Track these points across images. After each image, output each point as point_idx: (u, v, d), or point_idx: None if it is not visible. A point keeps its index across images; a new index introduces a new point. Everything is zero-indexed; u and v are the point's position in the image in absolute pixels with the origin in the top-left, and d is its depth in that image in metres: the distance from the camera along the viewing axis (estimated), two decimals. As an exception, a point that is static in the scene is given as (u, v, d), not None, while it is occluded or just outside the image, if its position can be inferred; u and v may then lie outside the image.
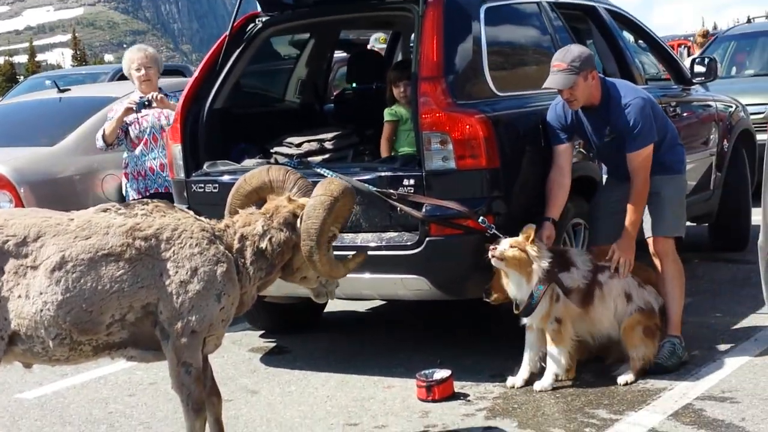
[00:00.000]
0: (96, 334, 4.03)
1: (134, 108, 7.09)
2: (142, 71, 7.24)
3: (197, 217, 4.33)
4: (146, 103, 7.08)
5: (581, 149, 6.24)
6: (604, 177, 6.28)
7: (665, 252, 5.83)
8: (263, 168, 4.61)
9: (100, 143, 7.21)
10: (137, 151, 7.15)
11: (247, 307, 4.45)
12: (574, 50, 5.69)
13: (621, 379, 5.49)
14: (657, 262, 5.85)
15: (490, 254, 5.30)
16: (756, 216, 5.64)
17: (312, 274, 4.47)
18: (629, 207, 5.68)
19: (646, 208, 5.87)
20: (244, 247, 4.30)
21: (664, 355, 5.63)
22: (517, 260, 5.33)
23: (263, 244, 4.30)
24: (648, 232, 5.87)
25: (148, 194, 7.05)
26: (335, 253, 4.51)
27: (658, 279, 5.81)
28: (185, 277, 4.07)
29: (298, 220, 4.31)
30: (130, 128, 7.17)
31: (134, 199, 4.43)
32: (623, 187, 5.81)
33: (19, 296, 3.96)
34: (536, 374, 5.55)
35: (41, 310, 3.94)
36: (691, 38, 22.73)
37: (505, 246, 5.32)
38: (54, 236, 4.02)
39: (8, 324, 3.96)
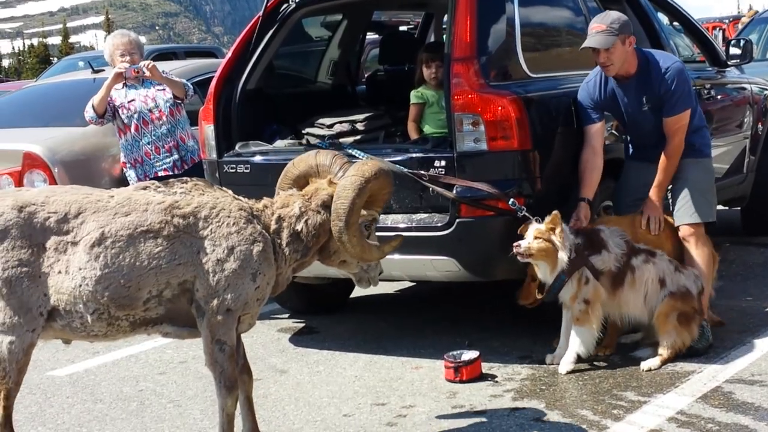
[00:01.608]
0: (133, 310, 4.07)
1: (124, 74, 6.96)
2: (127, 57, 7.13)
3: (236, 196, 4.34)
4: (136, 70, 6.98)
5: (614, 131, 6.21)
6: (626, 162, 6.20)
7: (694, 237, 5.82)
8: (311, 153, 4.59)
9: (90, 113, 7.00)
10: (129, 137, 7.03)
11: (282, 288, 4.47)
12: (613, 14, 5.73)
13: (645, 365, 5.48)
14: (687, 246, 5.83)
15: (515, 251, 5.30)
16: (790, 200, 5.62)
17: (352, 259, 4.46)
18: (660, 167, 5.75)
19: (672, 194, 5.89)
20: (281, 228, 4.31)
21: (695, 338, 5.61)
22: (543, 251, 5.33)
23: (299, 226, 4.31)
24: (678, 219, 5.86)
25: (148, 179, 6.85)
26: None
27: (688, 263, 5.79)
28: (222, 255, 4.10)
29: None
30: (119, 111, 7.02)
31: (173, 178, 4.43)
32: (649, 170, 5.81)
33: (59, 272, 4.01)
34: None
35: (80, 285, 3.99)
36: (726, 21, 22.53)
37: (529, 239, 5.31)
38: (94, 212, 4.07)
39: (47, 300, 4.01)
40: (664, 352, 5.50)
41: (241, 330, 4.36)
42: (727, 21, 23.14)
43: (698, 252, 5.80)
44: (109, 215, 4.06)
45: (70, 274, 4.00)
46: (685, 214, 5.84)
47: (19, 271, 3.96)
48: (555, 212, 5.36)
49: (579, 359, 5.47)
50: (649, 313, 5.57)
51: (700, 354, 5.59)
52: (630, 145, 6.17)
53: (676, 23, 8.63)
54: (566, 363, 5.46)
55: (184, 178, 4.41)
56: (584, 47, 5.74)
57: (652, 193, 5.77)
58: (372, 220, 4.44)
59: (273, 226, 4.31)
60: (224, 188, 4.45)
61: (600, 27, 5.62)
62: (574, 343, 5.46)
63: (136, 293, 4.04)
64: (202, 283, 4.09)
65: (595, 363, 5.55)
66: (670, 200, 5.98)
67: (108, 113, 7.02)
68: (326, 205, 4.33)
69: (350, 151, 5.81)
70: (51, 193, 4.17)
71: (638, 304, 5.55)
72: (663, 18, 8.39)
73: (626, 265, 5.50)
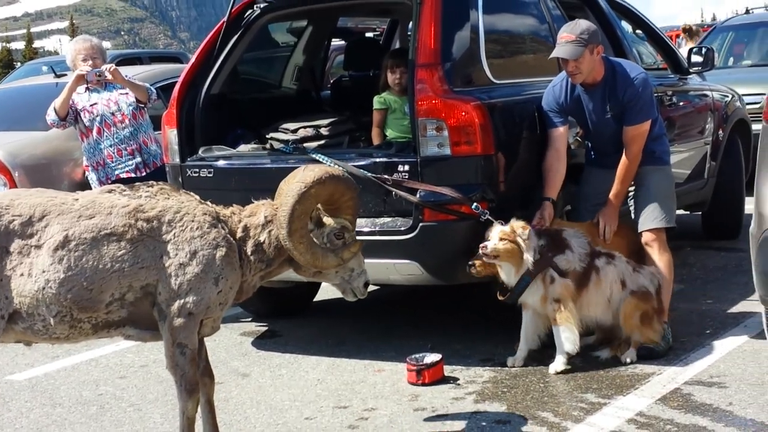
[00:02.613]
0: (95, 312, 4.05)
1: (86, 77, 6.92)
2: (89, 61, 7.11)
3: (201, 201, 4.33)
4: (98, 73, 6.97)
5: (578, 137, 6.26)
6: (586, 168, 6.23)
7: (657, 243, 5.90)
8: (299, 168, 4.50)
9: (52, 116, 6.98)
10: (92, 140, 7.02)
11: (248, 296, 4.45)
12: (582, 24, 5.78)
13: (625, 359, 5.57)
14: (648, 251, 5.91)
15: (481, 252, 5.34)
16: (749, 205, 5.68)
17: (330, 269, 4.43)
18: (617, 176, 5.82)
19: (635, 201, 5.98)
20: (246, 236, 4.31)
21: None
22: (508, 252, 5.37)
23: (262, 237, 4.30)
24: (640, 225, 5.93)
25: (110, 182, 6.84)
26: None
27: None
28: (184, 259, 4.09)
29: None
30: (81, 115, 7.01)
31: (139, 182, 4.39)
32: (609, 176, 5.89)
33: (22, 274, 3.98)
34: (536, 352, 5.64)
35: (43, 288, 3.96)
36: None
37: (495, 241, 5.35)
38: (58, 215, 4.05)
39: (9, 302, 3.98)
40: (636, 344, 5.60)
41: (205, 333, 4.35)
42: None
43: (660, 257, 5.88)
44: (74, 218, 4.05)
45: (33, 276, 3.97)
46: (647, 220, 5.91)
47: None
48: (522, 222, 5.41)
49: (568, 358, 5.50)
50: (613, 314, 5.63)
51: (661, 356, 5.65)
52: (591, 152, 6.22)
53: (639, 31, 8.71)
54: (556, 364, 5.49)
55: (150, 182, 4.40)
56: (553, 57, 5.79)
57: (609, 203, 5.85)
58: (341, 228, 4.40)
59: (239, 234, 4.30)
60: (190, 192, 4.43)
61: (569, 37, 5.66)
62: (559, 344, 5.49)
63: (99, 296, 4.02)
64: (164, 286, 4.08)
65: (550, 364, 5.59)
66: (632, 207, 6.04)
67: (70, 116, 7.00)
68: None
69: (314, 155, 5.84)
70: (15, 196, 4.15)
71: (603, 306, 5.60)
72: (627, 26, 8.46)
73: (590, 266, 5.56)
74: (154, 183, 4.34)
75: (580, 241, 5.61)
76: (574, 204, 6.21)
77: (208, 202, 4.35)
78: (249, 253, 4.30)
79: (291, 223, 4.19)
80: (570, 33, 5.69)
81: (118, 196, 4.19)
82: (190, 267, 4.09)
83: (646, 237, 5.91)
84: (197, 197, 4.35)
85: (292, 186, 4.23)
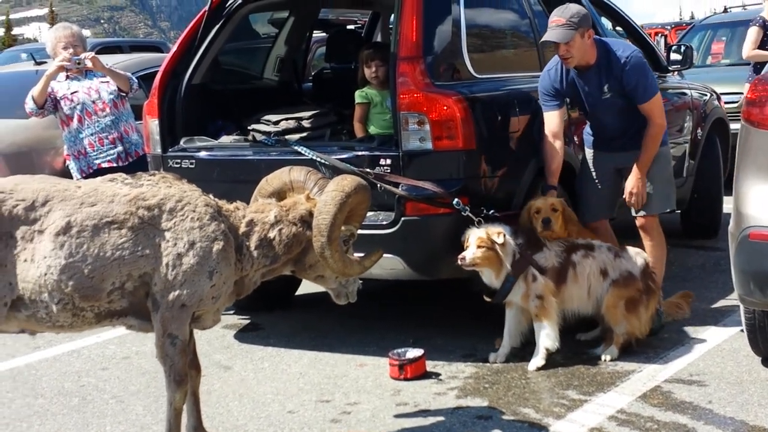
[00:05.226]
0: (98, 301, 4.04)
1: (66, 65, 6.90)
2: (70, 50, 7.07)
3: (205, 192, 4.32)
4: (78, 62, 6.94)
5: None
6: (588, 150, 6.32)
7: (650, 227, 6.07)
8: (284, 169, 4.58)
9: (30, 105, 6.96)
10: (72, 129, 7.00)
11: (248, 292, 4.46)
12: (572, 7, 5.83)
13: (605, 356, 5.61)
14: (642, 235, 6.06)
15: (459, 263, 5.36)
16: (727, 204, 5.73)
17: (329, 274, 4.46)
18: (644, 146, 5.92)
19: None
20: (251, 231, 4.31)
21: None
22: (487, 259, 5.41)
23: (272, 234, 4.31)
24: (633, 210, 6.05)
25: (91, 171, 6.89)
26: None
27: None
28: (182, 249, 4.08)
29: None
30: (61, 103, 6.99)
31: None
32: (612, 158, 6.03)
33: (25, 260, 3.97)
34: (518, 349, 5.66)
35: (45, 274, 3.95)
36: (668, 27, 22.87)
37: (473, 249, 5.37)
38: (61, 201, 4.04)
39: (12, 289, 3.97)
40: (619, 339, 5.63)
41: (206, 326, 4.37)
42: (669, 27, 23.50)
43: (654, 241, 6.04)
44: (76, 204, 4.04)
45: (35, 262, 3.97)
46: (647, 206, 6.02)
47: None
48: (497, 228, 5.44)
49: (547, 353, 5.53)
50: (594, 304, 5.66)
51: (654, 333, 5.80)
52: (592, 135, 6.28)
53: (619, 28, 8.74)
54: (536, 360, 5.52)
55: (153, 171, 4.39)
56: (543, 41, 5.87)
57: (635, 171, 5.92)
58: (350, 235, 4.44)
59: (242, 229, 4.30)
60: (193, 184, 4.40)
61: (559, 21, 5.73)
62: (540, 340, 5.53)
63: (100, 284, 4.01)
64: (159, 276, 4.07)
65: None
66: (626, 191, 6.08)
67: (48, 105, 6.97)
68: (304, 220, 4.35)
69: (296, 147, 5.84)
70: (20, 181, 4.14)
71: (582, 298, 5.64)
72: (606, 23, 8.49)
73: (567, 261, 5.59)
74: (156, 172, 4.35)
75: None
76: (578, 188, 6.30)
77: (211, 195, 4.34)
78: (252, 248, 4.30)
79: (332, 231, 4.20)
80: (560, 17, 5.75)
81: (120, 185, 4.19)
82: (186, 258, 4.08)
83: (640, 221, 6.05)
84: (199, 189, 4.34)
85: (331, 195, 4.23)
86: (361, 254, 4.53)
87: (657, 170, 6.03)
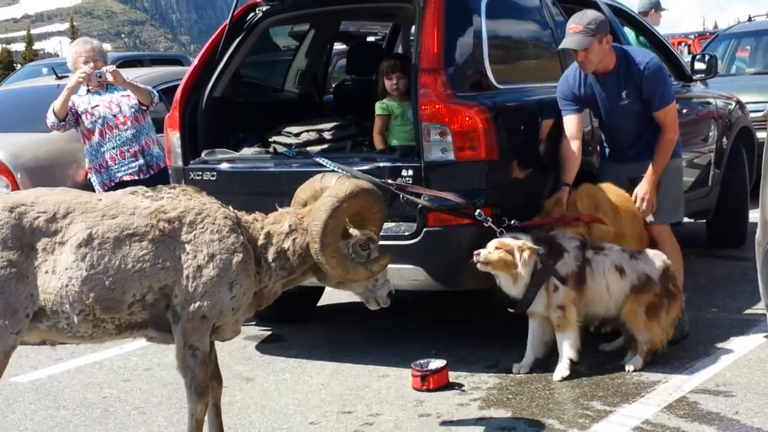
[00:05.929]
0: (118, 313, 4.06)
1: (85, 79, 6.91)
2: (90, 64, 7.10)
3: (224, 204, 4.32)
4: (99, 75, 6.97)
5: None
6: (602, 162, 6.33)
7: (661, 234, 6.08)
8: (317, 177, 4.57)
9: (51, 119, 6.98)
10: (94, 143, 7.00)
11: (268, 303, 4.45)
12: (590, 14, 5.85)
13: (629, 367, 5.56)
14: (658, 243, 6.04)
15: (474, 259, 5.33)
16: (753, 213, 5.68)
17: (359, 282, 4.44)
18: (657, 151, 5.92)
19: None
20: (269, 243, 4.31)
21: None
22: (502, 262, 5.37)
23: (286, 244, 4.30)
24: (649, 218, 6.04)
25: (113, 185, 6.86)
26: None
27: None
28: (202, 261, 4.09)
29: None
30: (82, 117, 6.99)
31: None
32: (626, 169, 6.02)
33: (47, 272, 3.98)
34: (541, 360, 5.63)
35: (66, 285, 3.96)
36: (692, 36, 22.78)
37: (489, 249, 5.35)
38: (82, 213, 4.06)
39: (34, 300, 3.98)
40: (643, 348, 5.58)
41: (226, 337, 4.36)
42: (692, 36, 23.41)
43: (669, 248, 6.01)
44: (97, 217, 4.06)
45: (57, 273, 3.98)
46: (655, 214, 6.01)
47: (8, 272, 3.93)
48: (528, 242, 5.42)
49: (571, 363, 5.50)
50: (615, 305, 5.59)
51: (675, 342, 5.76)
52: (606, 146, 6.30)
53: (642, 38, 8.71)
54: (560, 369, 5.49)
55: (173, 184, 4.39)
56: (561, 48, 5.92)
57: (647, 175, 5.92)
58: (367, 239, 4.40)
59: (261, 241, 4.30)
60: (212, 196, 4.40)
61: (577, 27, 5.74)
62: (563, 350, 5.50)
63: (121, 296, 4.02)
64: (180, 288, 4.08)
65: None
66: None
67: (70, 119, 6.99)
68: None
69: (318, 159, 5.83)
70: (40, 193, 4.16)
71: (603, 295, 5.57)
72: (630, 33, 8.46)
73: (583, 260, 5.56)
74: (176, 185, 4.36)
75: (571, 241, 5.61)
76: None
77: (230, 207, 4.34)
78: (270, 260, 4.30)
79: (324, 237, 4.19)
80: (578, 24, 5.76)
81: (141, 198, 4.21)
82: (206, 270, 4.09)
83: (651, 230, 6.07)
84: (219, 202, 4.34)
85: (324, 200, 4.23)
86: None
87: (667, 181, 6.02)
